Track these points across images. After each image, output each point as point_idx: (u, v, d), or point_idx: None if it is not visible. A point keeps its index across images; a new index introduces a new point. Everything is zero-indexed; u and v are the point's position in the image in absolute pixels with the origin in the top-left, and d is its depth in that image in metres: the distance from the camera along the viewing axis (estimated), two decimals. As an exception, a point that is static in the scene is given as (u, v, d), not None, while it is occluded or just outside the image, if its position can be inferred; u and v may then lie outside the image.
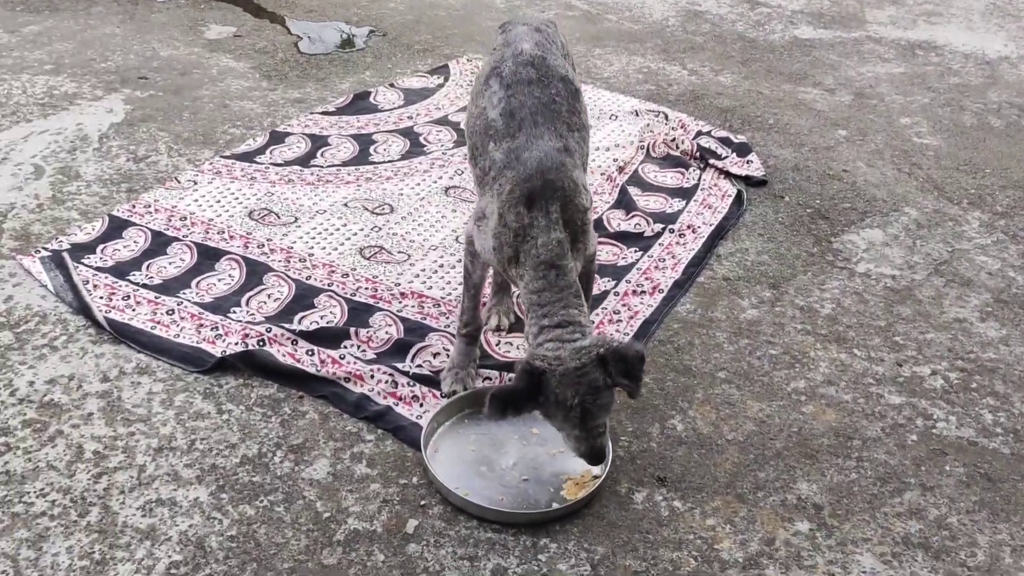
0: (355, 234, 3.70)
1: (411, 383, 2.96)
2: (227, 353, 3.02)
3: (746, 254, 3.75)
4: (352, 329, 3.16)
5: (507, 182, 2.54)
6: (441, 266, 3.55)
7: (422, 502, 2.58)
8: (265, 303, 3.30)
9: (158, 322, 3.17)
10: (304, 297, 3.35)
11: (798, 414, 2.97)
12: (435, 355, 3.10)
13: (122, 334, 3.10)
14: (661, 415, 2.91)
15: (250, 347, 3.06)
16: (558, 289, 2.47)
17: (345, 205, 3.88)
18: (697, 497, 2.65)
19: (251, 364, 3.00)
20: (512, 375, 2.97)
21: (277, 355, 3.03)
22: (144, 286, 3.33)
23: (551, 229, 2.49)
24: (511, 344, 3.18)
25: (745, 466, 2.76)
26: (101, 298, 3.25)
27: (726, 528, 2.56)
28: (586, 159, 2.87)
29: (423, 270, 3.52)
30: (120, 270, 3.41)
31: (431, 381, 2.98)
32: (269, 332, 3.11)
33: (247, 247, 3.58)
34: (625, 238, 3.77)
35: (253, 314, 3.24)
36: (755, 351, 3.22)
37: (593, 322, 2.56)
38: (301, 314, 3.26)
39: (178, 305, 3.25)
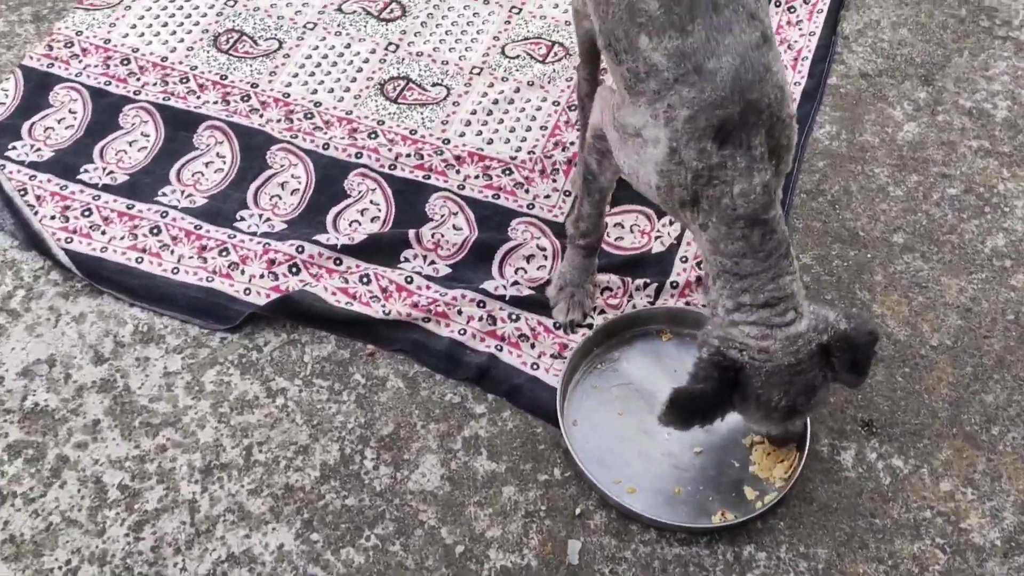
0: (366, 61, 2.74)
1: (513, 315, 2.23)
2: (250, 296, 2.23)
3: (879, 31, 2.88)
4: (411, 232, 2.35)
5: (682, 104, 1.63)
6: (495, 102, 2.65)
7: (577, 509, 1.97)
8: (280, 197, 2.44)
9: (144, 250, 2.32)
10: (330, 181, 2.47)
11: (1007, 290, 2.32)
12: (528, 259, 2.34)
13: (98, 278, 2.27)
14: (842, 319, 2.25)
15: (280, 279, 2.26)
16: (765, 254, 1.69)
17: (339, 9, 2.86)
18: (919, 447, 2.06)
19: (294, 314, 2.22)
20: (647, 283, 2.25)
21: (324, 294, 2.24)
22: (106, 188, 2.43)
23: (754, 171, 1.64)
24: (622, 227, 2.40)
25: (964, 387, 2.16)
26: (53, 218, 2.37)
27: (967, 493, 2.00)
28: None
29: (472, 113, 2.62)
30: (65, 163, 2.47)
31: (536, 304, 2.25)
32: (301, 253, 2.30)
33: (228, 102, 2.62)
34: (722, 24, 2.85)
35: (269, 218, 2.39)
36: (930, 192, 2.50)
37: (805, 286, 1.80)
38: (334, 210, 2.41)
39: (163, 218, 2.38)
